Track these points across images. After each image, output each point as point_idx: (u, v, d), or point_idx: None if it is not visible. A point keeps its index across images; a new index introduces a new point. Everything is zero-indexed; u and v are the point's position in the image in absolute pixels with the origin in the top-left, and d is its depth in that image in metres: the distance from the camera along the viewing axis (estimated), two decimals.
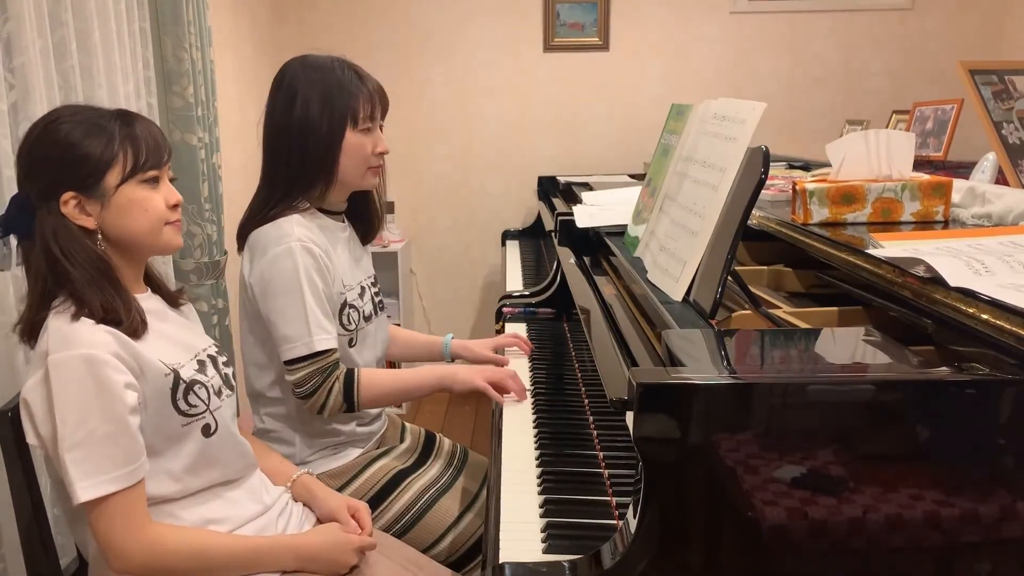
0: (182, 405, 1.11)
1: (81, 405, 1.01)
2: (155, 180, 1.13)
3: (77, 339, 1.02)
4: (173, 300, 1.26)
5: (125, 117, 1.12)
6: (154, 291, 1.23)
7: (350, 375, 1.42)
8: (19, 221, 1.09)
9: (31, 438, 1.07)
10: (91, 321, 1.04)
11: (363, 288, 1.57)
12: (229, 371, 1.25)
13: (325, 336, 1.40)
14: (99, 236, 1.10)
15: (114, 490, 1.02)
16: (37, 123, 1.11)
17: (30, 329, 1.09)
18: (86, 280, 1.06)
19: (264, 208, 1.45)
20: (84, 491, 1.00)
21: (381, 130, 1.51)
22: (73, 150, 1.07)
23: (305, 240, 1.40)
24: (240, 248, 1.49)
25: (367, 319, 1.56)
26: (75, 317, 1.04)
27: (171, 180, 1.18)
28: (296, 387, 1.40)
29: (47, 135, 1.08)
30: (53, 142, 1.08)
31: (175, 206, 1.16)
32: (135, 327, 1.09)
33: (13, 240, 1.11)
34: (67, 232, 1.07)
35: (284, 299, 1.39)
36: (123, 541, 1.03)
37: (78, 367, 1.01)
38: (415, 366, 1.82)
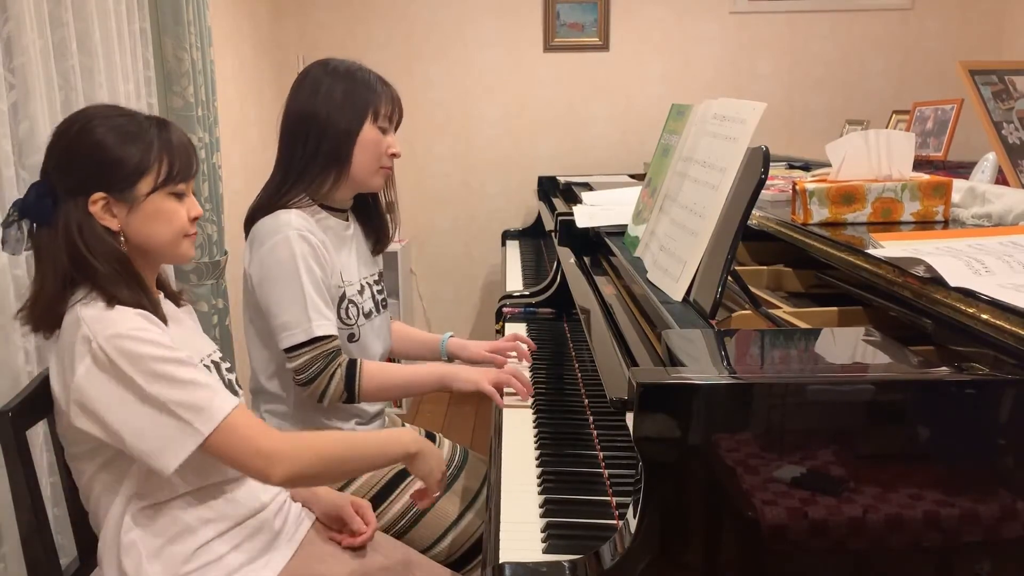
0: None
1: (165, 359, 1.04)
2: (182, 193, 1.15)
3: (121, 319, 1.05)
4: (176, 301, 1.27)
5: (162, 125, 1.14)
6: (166, 295, 1.24)
7: (353, 364, 1.43)
8: (37, 208, 1.09)
9: (96, 430, 1.05)
10: (126, 308, 1.07)
11: (364, 285, 1.58)
12: (232, 377, 1.26)
13: (324, 322, 1.40)
14: (122, 238, 1.11)
15: (230, 408, 1.06)
16: (73, 119, 1.12)
17: (48, 320, 1.10)
18: (110, 274, 1.08)
19: (275, 193, 1.47)
20: (205, 424, 1.03)
21: None
22: (111, 153, 1.08)
23: (302, 229, 1.41)
24: (247, 235, 1.50)
25: (367, 315, 1.57)
26: (109, 305, 1.06)
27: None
28: (297, 374, 1.40)
29: (85, 133, 1.09)
30: (92, 142, 1.08)
31: (195, 219, 1.18)
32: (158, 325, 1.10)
33: (26, 226, 1.11)
34: (92, 229, 1.09)
35: (282, 286, 1.40)
36: (267, 440, 1.07)
37: (137, 332, 1.04)
38: (413, 362, 1.82)
